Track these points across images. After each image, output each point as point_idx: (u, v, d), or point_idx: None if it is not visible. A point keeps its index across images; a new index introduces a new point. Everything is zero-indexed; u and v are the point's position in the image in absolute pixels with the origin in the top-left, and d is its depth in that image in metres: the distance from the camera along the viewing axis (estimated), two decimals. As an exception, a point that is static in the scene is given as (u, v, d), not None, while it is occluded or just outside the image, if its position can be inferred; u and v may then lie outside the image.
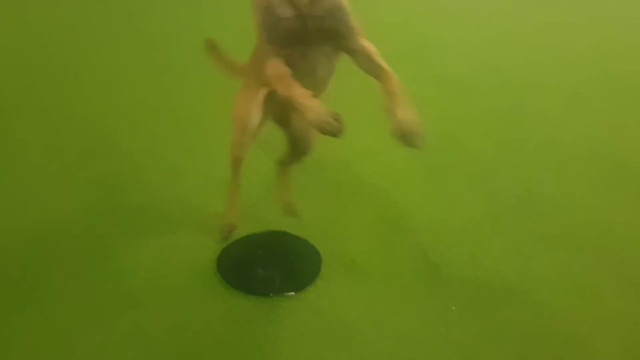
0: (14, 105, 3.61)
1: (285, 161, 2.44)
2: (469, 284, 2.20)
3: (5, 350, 1.88)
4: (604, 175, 2.95)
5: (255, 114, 2.03)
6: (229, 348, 1.91)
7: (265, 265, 2.24)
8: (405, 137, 1.63)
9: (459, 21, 5.67)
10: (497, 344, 1.93)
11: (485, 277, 2.23)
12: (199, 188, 2.78)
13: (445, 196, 2.76)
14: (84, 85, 3.94)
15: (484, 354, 1.90)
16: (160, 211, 2.60)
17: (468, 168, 3.00)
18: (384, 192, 2.76)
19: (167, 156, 3.06)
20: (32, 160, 3.02)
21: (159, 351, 1.90)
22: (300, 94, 1.56)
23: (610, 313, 2.08)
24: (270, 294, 2.11)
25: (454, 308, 2.08)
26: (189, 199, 2.69)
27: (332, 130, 1.52)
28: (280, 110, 2.06)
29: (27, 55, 4.43)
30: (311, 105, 1.54)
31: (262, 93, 1.97)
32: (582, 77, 4.25)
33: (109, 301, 2.09)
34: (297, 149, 2.31)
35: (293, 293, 2.11)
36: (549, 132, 3.41)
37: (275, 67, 1.65)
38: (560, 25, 5.57)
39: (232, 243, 2.38)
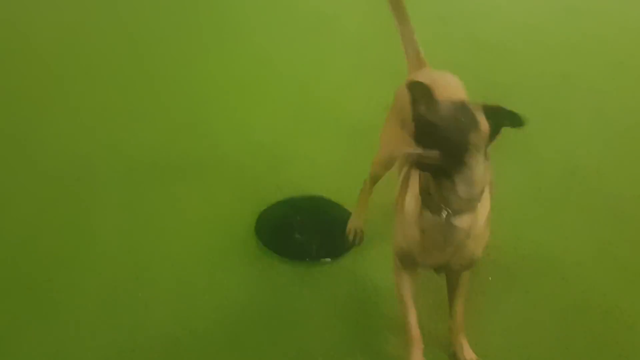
0: (56, 61, 3.66)
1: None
2: (508, 255, 2.18)
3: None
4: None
5: None
6: (265, 309, 1.96)
7: (303, 231, 2.26)
8: None
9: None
10: (536, 316, 1.93)
11: (525, 250, 2.21)
12: (238, 151, 2.79)
13: (485, 166, 2.71)
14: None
15: (521, 327, 1.90)
16: (200, 173, 2.63)
17: (509, 139, 2.92)
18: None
19: (206, 119, 3.07)
20: (74, 117, 3.07)
21: (199, 309, 1.96)
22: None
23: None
24: (307, 259, 2.13)
25: (490, 279, 2.06)
26: (229, 162, 2.70)
27: None
28: None
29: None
30: None
31: None
32: (628, 45, 4.06)
33: (151, 259, 2.16)
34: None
35: (329, 259, 2.13)
36: (594, 102, 3.29)
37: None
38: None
39: (271, 206, 2.39)
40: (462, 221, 1.43)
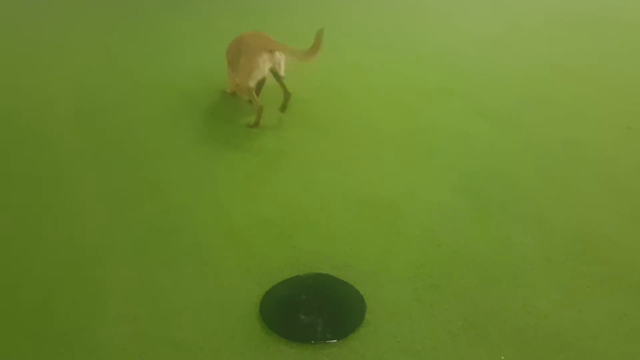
0: (67, 146, 3.76)
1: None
2: (520, 331, 2.11)
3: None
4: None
5: None
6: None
7: (308, 311, 2.23)
8: None
9: (505, 53, 5.57)
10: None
11: (538, 324, 2.14)
12: (244, 229, 2.80)
13: (495, 236, 2.67)
14: (134, 126, 4.06)
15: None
16: (205, 252, 2.63)
17: (518, 207, 2.90)
18: (429, 232, 2.71)
19: (214, 196, 3.11)
20: (84, 201, 3.12)
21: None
22: None
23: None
24: (312, 341, 2.08)
25: (503, 358, 1.99)
26: (234, 240, 2.71)
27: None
28: None
29: (80, 97, 4.62)
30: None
31: None
32: (634, 110, 4.08)
33: (156, 344, 2.12)
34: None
35: (335, 340, 2.08)
36: (603, 167, 3.27)
37: None
38: (612, 57, 5.39)
39: (276, 285, 2.37)
40: None
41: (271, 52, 3.78)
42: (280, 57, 3.82)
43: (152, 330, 2.19)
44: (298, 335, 2.11)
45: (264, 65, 3.77)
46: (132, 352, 2.09)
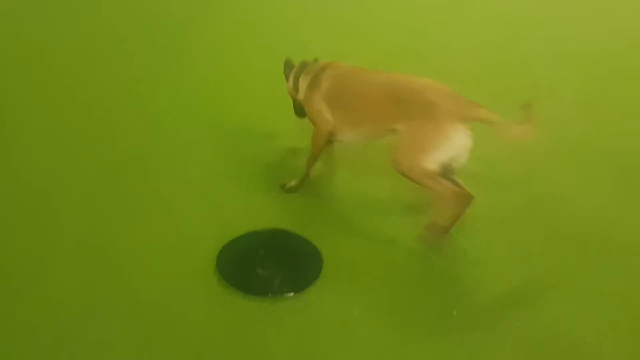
0: (16, 91, 3.59)
1: None
2: (471, 288, 2.17)
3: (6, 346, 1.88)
4: (611, 176, 2.90)
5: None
6: (228, 348, 1.90)
7: (266, 265, 2.22)
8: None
9: (464, 15, 5.59)
10: (499, 350, 1.91)
11: (488, 281, 2.20)
12: (201, 180, 2.75)
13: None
14: (86, 80, 3.91)
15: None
16: (161, 204, 2.58)
17: (471, 167, 2.95)
18: (386, 190, 2.72)
19: (169, 148, 3.03)
20: (35, 148, 3.00)
21: (158, 350, 1.88)
22: None
23: (615, 318, 2.05)
24: (269, 294, 2.08)
25: (455, 313, 2.05)
26: (191, 191, 2.66)
27: None
28: None
29: (28, 54, 4.40)
30: None
31: None
32: (589, 74, 4.17)
33: (109, 297, 2.08)
34: None
35: (292, 294, 2.08)
36: (556, 130, 3.35)
37: None
38: (570, 20, 5.49)
39: (233, 240, 2.35)
40: None
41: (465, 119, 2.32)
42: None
43: (104, 281, 2.15)
44: (255, 288, 2.10)
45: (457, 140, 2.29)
46: (82, 302, 2.04)
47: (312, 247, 2.32)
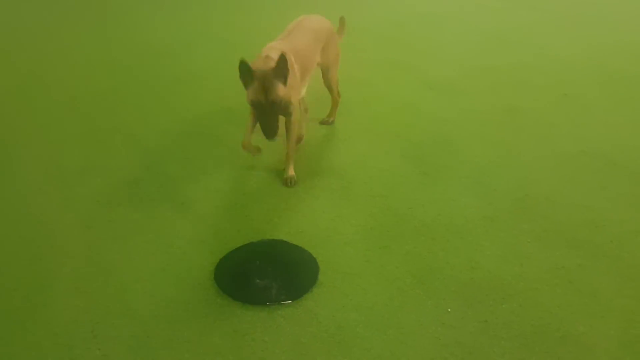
0: (10, 122, 3.64)
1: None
2: (465, 286, 2.22)
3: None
4: (596, 174, 2.97)
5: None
6: (230, 358, 1.93)
7: (263, 275, 2.26)
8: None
9: (449, 26, 5.71)
10: (494, 344, 1.95)
11: (481, 279, 2.25)
12: (195, 199, 2.80)
13: (440, 199, 2.77)
14: (81, 102, 3.97)
15: (481, 356, 1.91)
16: (156, 224, 2.62)
17: (462, 171, 3.02)
18: (379, 198, 2.78)
19: (163, 168, 3.08)
20: (29, 177, 3.04)
21: (160, 364, 1.91)
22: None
23: (606, 310, 2.10)
24: (267, 303, 2.12)
25: (449, 310, 2.09)
26: (186, 212, 2.70)
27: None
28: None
29: (26, 74, 4.46)
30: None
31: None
32: (571, 78, 4.27)
33: (109, 315, 2.11)
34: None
35: (290, 301, 2.13)
36: (541, 132, 3.43)
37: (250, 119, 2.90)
38: (549, 27, 5.61)
39: (230, 253, 2.39)
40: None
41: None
42: None
43: (105, 302, 2.18)
44: (253, 298, 2.14)
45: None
46: (84, 324, 2.07)
47: (308, 254, 2.36)
